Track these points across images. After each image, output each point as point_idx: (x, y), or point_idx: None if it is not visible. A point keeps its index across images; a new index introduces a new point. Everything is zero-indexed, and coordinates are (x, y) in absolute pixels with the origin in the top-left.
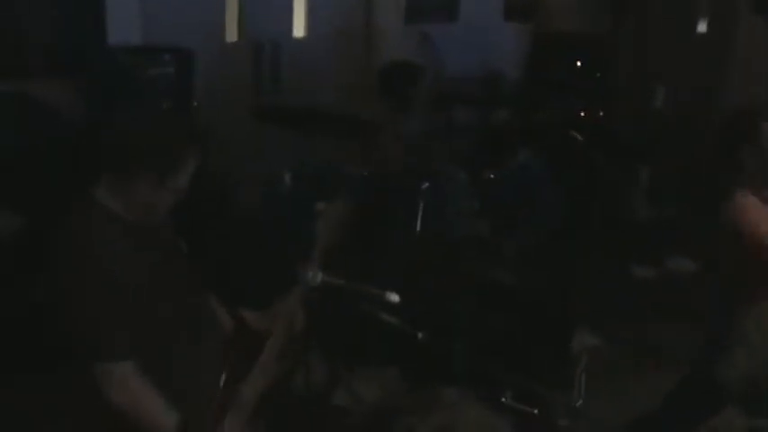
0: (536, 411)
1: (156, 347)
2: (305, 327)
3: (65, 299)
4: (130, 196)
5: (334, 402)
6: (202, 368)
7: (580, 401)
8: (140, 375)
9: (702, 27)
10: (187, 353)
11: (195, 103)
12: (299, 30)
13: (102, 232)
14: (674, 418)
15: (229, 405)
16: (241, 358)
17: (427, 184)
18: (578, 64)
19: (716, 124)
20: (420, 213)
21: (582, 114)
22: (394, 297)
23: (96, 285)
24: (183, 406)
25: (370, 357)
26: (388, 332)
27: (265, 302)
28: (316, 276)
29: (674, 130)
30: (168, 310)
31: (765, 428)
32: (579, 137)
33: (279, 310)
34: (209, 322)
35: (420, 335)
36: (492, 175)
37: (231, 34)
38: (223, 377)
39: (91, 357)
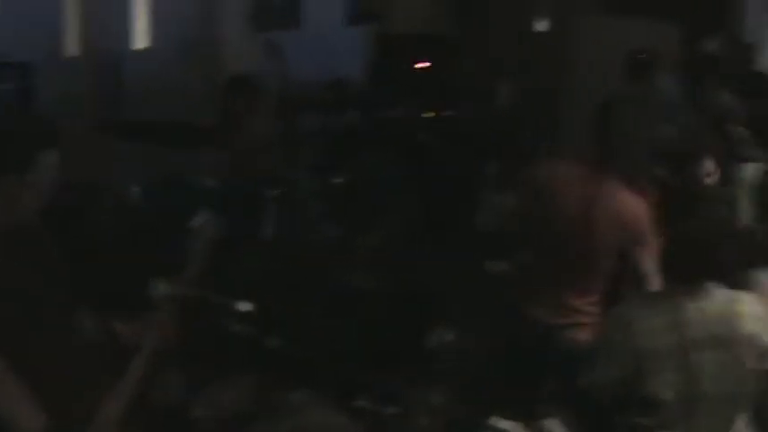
0: (393, 411)
1: (22, 349)
2: (173, 338)
3: None
4: None
5: (191, 412)
6: (71, 375)
7: (439, 399)
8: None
9: (543, 26)
10: (54, 358)
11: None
12: (141, 41)
13: None
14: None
15: (98, 415)
16: (110, 368)
17: (277, 191)
18: (423, 65)
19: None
20: (270, 220)
21: (429, 115)
22: (245, 306)
23: None
24: (49, 410)
25: (225, 366)
26: (242, 340)
27: (136, 313)
28: (164, 288)
29: (522, 127)
30: (35, 313)
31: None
32: (427, 138)
33: (150, 321)
34: (78, 329)
35: (273, 341)
36: (341, 180)
37: (72, 48)
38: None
39: None
